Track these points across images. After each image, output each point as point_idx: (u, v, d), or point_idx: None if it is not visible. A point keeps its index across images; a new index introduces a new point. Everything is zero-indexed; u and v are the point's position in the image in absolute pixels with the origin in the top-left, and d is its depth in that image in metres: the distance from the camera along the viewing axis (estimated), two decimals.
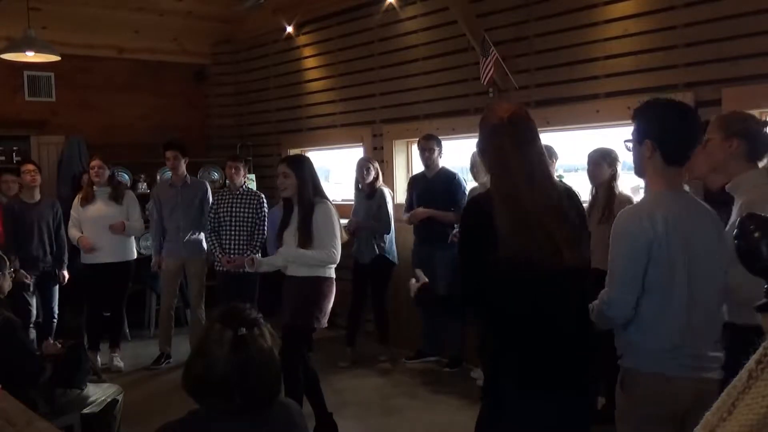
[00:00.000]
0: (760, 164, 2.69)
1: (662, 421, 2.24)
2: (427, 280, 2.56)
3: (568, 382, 2.16)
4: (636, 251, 2.21)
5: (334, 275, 4.23)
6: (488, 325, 2.27)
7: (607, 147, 4.38)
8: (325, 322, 4.21)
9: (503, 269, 2.08)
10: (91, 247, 5.74)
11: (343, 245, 4.41)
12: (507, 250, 2.06)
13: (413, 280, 2.57)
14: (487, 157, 2.29)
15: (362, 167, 5.91)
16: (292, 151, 7.74)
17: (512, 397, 2.16)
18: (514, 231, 2.08)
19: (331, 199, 4.31)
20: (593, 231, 4.16)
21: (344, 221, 6.21)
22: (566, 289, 2.14)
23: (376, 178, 5.92)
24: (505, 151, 2.18)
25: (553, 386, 2.15)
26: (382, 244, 5.91)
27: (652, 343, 2.23)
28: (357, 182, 6.03)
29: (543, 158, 2.26)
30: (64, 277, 5.92)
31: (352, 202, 6.16)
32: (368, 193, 5.92)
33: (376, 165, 5.99)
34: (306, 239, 4.05)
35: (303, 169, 4.14)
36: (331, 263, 4.14)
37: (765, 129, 2.76)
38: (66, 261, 5.93)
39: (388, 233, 5.93)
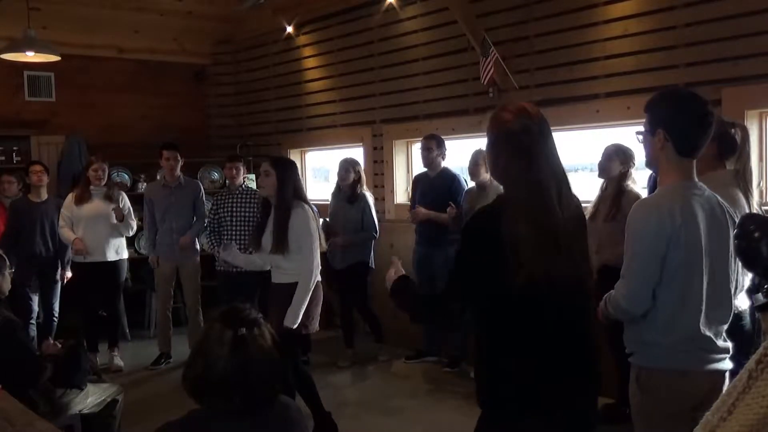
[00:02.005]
0: (728, 165, 2.89)
1: (681, 416, 2.22)
2: (403, 271, 2.32)
3: (577, 402, 2.07)
4: (655, 246, 2.19)
5: (319, 278, 4.11)
6: (491, 345, 2.08)
7: (625, 145, 4.38)
8: (315, 326, 4.15)
9: (520, 289, 1.93)
10: (86, 250, 5.65)
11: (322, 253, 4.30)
12: (527, 271, 1.90)
13: (392, 271, 2.32)
14: (506, 165, 2.04)
15: (342, 168, 5.82)
16: (293, 151, 7.75)
17: (517, 420, 2.03)
18: (540, 252, 1.92)
19: (311, 205, 4.18)
20: (600, 227, 4.22)
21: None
22: (578, 308, 2.06)
23: (357, 181, 5.82)
24: (534, 159, 1.99)
25: (562, 407, 2.03)
26: (365, 250, 5.86)
27: (668, 339, 2.22)
28: (338, 183, 5.95)
29: (561, 163, 2.12)
30: (65, 277, 5.93)
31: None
32: (349, 197, 5.83)
33: (359, 168, 5.89)
34: (281, 244, 3.93)
35: (285, 171, 4.04)
36: (309, 273, 3.98)
37: (731, 131, 2.88)
38: (68, 261, 5.93)
39: (376, 237, 5.88)
